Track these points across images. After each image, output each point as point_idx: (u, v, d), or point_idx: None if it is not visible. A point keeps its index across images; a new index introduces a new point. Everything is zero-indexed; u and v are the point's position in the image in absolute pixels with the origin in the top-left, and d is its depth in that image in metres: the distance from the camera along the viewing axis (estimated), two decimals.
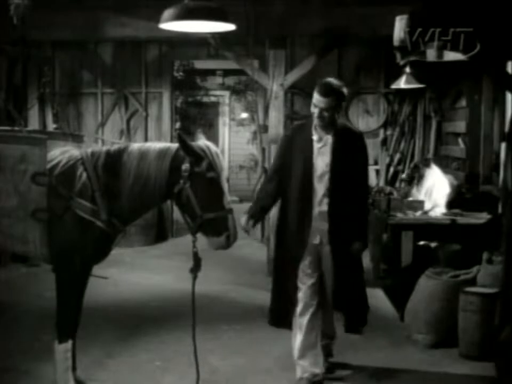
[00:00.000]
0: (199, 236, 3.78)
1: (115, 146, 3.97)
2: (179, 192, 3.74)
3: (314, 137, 4.26)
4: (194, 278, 3.82)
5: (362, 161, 4.37)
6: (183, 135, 3.76)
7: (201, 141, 3.85)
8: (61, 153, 3.96)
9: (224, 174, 3.81)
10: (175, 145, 3.83)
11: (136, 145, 3.91)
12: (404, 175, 7.27)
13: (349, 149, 4.25)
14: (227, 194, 3.78)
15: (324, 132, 4.25)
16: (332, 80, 4.26)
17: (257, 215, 4.47)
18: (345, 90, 4.22)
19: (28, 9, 5.04)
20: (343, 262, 4.29)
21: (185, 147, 3.71)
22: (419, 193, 7.05)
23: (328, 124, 4.21)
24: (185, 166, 3.71)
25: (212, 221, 3.71)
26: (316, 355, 4.33)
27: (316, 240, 4.29)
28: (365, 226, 4.40)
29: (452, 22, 4.43)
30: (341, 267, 4.29)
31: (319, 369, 4.31)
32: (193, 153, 3.71)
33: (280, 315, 4.45)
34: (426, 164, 7.34)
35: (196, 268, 3.81)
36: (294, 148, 4.34)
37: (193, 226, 3.75)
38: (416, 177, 7.05)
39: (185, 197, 3.73)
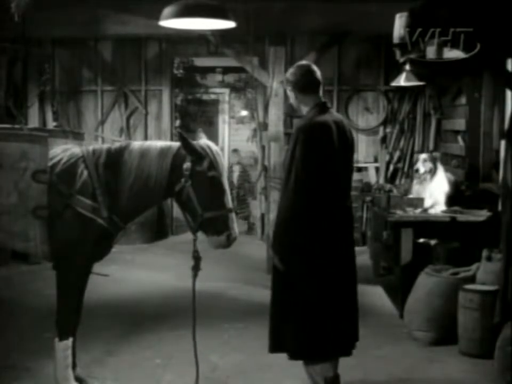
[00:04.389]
0: (200, 234, 3.79)
1: (116, 145, 3.98)
2: (180, 190, 3.75)
3: None
4: (195, 276, 3.82)
5: (297, 155, 3.61)
6: (184, 134, 3.77)
7: (202, 140, 3.85)
8: (62, 151, 3.98)
9: (225, 173, 3.82)
10: (176, 143, 3.84)
11: (137, 144, 3.93)
12: (421, 167, 6.92)
13: (292, 143, 3.69)
14: (228, 194, 3.78)
15: None
16: None
17: None
18: (292, 73, 3.78)
19: (29, 6, 5.02)
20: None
21: (187, 146, 3.72)
22: (429, 187, 6.90)
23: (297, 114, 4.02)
24: (187, 164, 3.71)
25: (213, 219, 3.72)
26: None
27: None
28: (276, 231, 3.67)
29: (452, 22, 4.43)
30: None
31: None
32: (194, 152, 3.72)
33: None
34: (441, 158, 7.29)
35: (196, 267, 3.82)
36: None
37: (194, 225, 3.76)
38: (432, 170, 6.93)
39: (186, 195, 3.73)
